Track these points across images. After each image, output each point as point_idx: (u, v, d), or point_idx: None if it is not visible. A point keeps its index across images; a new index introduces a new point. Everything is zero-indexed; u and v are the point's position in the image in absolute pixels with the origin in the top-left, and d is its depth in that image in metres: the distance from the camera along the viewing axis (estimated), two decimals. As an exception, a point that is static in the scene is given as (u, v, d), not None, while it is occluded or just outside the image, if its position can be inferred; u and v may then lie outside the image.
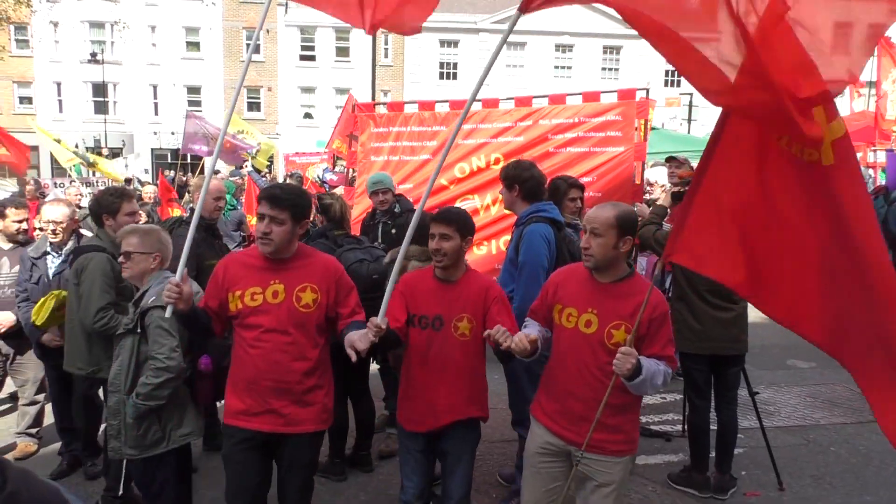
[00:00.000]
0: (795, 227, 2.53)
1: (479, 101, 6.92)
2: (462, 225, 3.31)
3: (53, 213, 4.75)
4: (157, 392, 3.20)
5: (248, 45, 36.22)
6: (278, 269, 3.13)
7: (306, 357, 3.12)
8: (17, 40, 33.67)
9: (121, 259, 3.49)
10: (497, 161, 6.33)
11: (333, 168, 17.93)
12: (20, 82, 35.27)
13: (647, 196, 7.60)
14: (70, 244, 4.76)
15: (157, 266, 3.50)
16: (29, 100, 35.66)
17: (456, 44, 37.40)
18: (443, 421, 3.30)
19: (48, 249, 4.78)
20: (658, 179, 8.33)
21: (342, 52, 37.08)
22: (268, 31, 36.05)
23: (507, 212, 5.69)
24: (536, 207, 4.15)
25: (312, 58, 37.03)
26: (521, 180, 4.22)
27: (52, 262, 4.76)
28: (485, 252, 6.38)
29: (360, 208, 6.83)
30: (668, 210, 4.70)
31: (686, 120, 28.60)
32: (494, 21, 36.67)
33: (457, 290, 3.32)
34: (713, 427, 4.60)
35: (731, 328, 4.40)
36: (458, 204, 6.41)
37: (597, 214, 2.98)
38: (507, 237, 5.84)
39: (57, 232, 4.70)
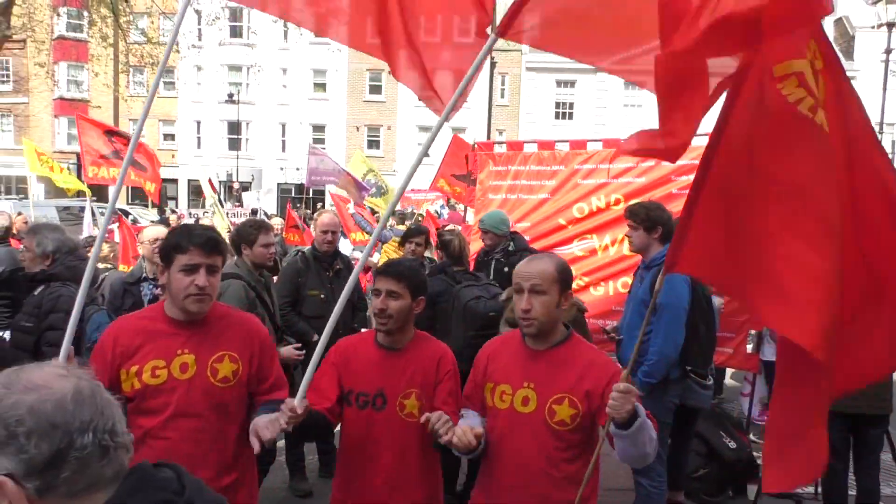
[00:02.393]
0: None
1: (599, 140, 6.89)
2: (413, 282, 2.71)
3: (161, 232, 4.34)
4: None
5: (370, 85, 37.88)
6: (188, 333, 2.46)
7: (225, 447, 2.49)
8: (164, 82, 36.94)
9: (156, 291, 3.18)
10: (617, 202, 6.23)
11: (447, 203, 18.34)
12: (165, 120, 38.49)
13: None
14: None
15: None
16: (172, 137, 38.93)
17: (573, 84, 37.40)
18: None
19: (144, 276, 4.45)
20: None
21: (460, 92, 37.97)
22: (389, 73, 37.44)
23: (626, 253, 5.58)
24: (674, 249, 4.10)
25: (431, 98, 38.12)
26: (663, 221, 4.17)
27: (149, 290, 4.38)
28: (601, 293, 6.26)
29: (476, 245, 6.90)
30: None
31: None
32: (612, 62, 36.38)
33: (403, 359, 2.70)
34: (851, 493, 4.26)
35: (874, 385, 4.07)
36: (575, 243, 6.36)
37: (538, 269, 2.49)
38: (626, 279, 5.72)
39: None
